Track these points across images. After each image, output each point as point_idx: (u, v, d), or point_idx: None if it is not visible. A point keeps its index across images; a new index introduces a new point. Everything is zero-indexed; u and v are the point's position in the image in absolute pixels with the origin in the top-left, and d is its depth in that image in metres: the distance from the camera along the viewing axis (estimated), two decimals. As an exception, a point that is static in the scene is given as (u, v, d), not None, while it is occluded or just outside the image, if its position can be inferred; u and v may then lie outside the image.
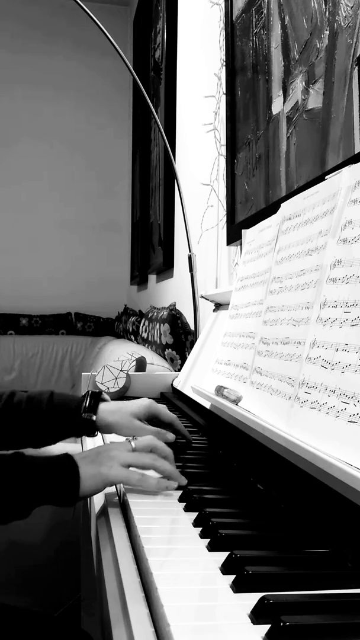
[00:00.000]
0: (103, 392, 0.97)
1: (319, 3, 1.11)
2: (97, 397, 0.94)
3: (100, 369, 1.50)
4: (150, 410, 0.94)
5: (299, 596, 0.44)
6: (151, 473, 0.74)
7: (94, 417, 0.91)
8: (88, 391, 0.95)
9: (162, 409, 0.95)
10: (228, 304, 1.13)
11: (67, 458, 0.70)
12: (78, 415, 0.91)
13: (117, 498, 0.73)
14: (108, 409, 0.92)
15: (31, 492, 0.67)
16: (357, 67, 0.97)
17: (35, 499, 0.67)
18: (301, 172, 1.20)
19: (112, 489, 0.77)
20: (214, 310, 1.47)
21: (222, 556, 0.51)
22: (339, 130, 1.03)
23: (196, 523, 0.60)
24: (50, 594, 1.78)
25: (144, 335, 2.51)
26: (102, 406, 0.92)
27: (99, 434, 0.98)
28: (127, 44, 4.51)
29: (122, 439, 0.83)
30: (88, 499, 0.78)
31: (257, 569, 0.47)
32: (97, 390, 0.96)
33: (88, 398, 0.93)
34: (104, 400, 0.96)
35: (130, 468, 0.72)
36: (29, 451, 0.79)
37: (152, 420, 0.95)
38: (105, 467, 0.70)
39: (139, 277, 3.80)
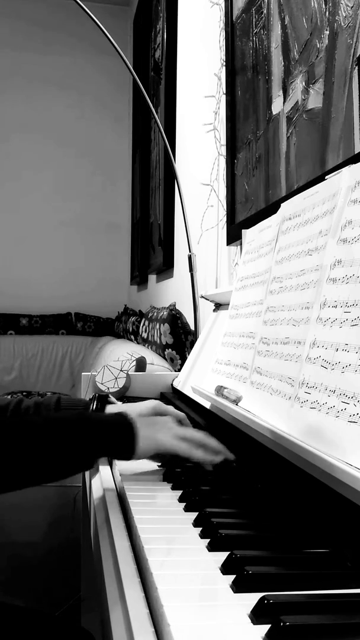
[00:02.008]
0: (110, 395, 0.98)
1: (319, 3, 1.11)
2: (103, 400, 0.96)
3: (100, 369, 1.50)
4: (157, 411, 0.94)
5: (299, 596, 0.44)
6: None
7: None
8: (95, 394, 0.97)
9: (170, 408, 0.96)
10: (228, 304, 1.13)
11: (126, 419, 0.77)
12: None
13: (117, 498, 0.73)
14: (113, 410, 0.94)
15: (95, 446, 0.75)
16: (357, 67, 0.97)
17: (98, 452, 0.76)
18: (301, 172, 1.20)
19: (112, 488, 0.77)
20: (214, 310, 1.47)
21: (222, 556, 0.51)
22: (339, 130, 1.03)
23: (196, 523, 0.60)
24: (50, 594, 1.78)
25: (144, 335, 2.51)
26: (109, 408, 0.95)
27: None
28: (127, 44, 4.51)
29: None
30: (88, 498, 0.79)
31: (257, 569, 0.47)
32: (104, 393, 0.97)
33: (95, 401, 0.95)
34: (111, 402, 0.97)
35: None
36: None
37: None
38: (161, 434, 0.77)
39: (139, 277, 3.80)
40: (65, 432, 0.74)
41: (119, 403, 0.98)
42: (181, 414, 0.96)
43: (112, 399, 0.99)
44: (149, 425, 0.78)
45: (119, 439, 0.75)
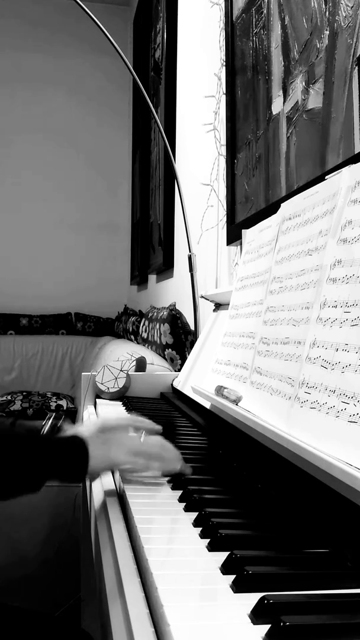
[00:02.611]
0: (60, 420, 0.94)
1: (319, 3, 1.11)
2: (54, 426, 0.91)
3: (100, 369, 1.50)
4: (104, 427, 0.88)
5: (299, 596, 0.44)
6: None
7: None
8: (49, 415, 0.94)
9: (114, 421, 0.90)
10: (228, 304, 1.13)
11: (78, 438, 0.73)
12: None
13: (117, 498, 0.73)
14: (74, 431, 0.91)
15: (43, 467, 0.70)
16: (357, 67, 0.97)
17: (46, 473, 0.70)
18: (301, 172, 1.20)
19: (112, 488, 0.77)
20: (214, 310, 1.47)
21: (222, 556, 0.51)
22: (339, 130, 1.03)
23: (196, 523, 0.60)
24: (50, 594, 1.78)
25: (144, 335, 2.51)
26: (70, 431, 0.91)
27: None
28: (127, 44, 4.51)
29: None
30: (88, 499, 0.79)
31: (257, 569, 0.47)
32: (55, 421, 0.94)
33: (45, 427, 0.91)
34: (63, 429, 0.94)
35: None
36: None
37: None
38: (114, 451, 0.73)
39: (139, 277, 3.80)
40: (12, 449, 0.69)
41: (70, 428, 0.95)
42: (127, 421, 0.91)
43: (65, 424, 0.95)
44: (101, 444, 0.74)
45: (69, 459, 0.71)
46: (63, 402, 3.54)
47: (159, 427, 0.91)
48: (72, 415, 3.40)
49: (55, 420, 0.95)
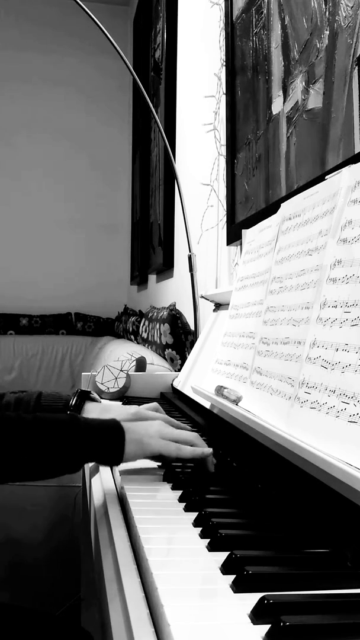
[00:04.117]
0: (92, 392, 0.98)
1: (319, 3, 1.11)
2: (84, 396, 0.96)
3: (100, 369, 1.50)
4: (137, 418, 0.93)
5: (299, 596, 0.44)
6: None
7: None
8: (77, 390, 0.97)
9: (150, 414, 0.94)
10: (228, 304, 1.13)
11: (116, 424, 0.78)
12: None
13: (117, 498, 0.73)
14: (92, 410, 0.95)
15: (82, 450, 0.75)
16: (357, 67, 0.97)
17: (85, 456, 0.76)
18: (301, 172, 1.20)
19: (112, 488, 0.77)
20: (214, 310, 1.47)
21: (222, 556, 0.51)
22: (339, 130, 1.03)
23: (196, 523, 0.60)
24: (50, 594, 1.78)
25: (144, 335, 2.51)
26: (88, 406, 0.95)
27: None
28: (127, 44, 4.51)
29: None
30: (88, 499, 0.79)
31: (257, 569, 0.47)
32: (87, 390, 0.98)
33: (75, 397, 0.95)
34: (93, 399, 0.97)
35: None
36: None
37: None
38: (148, 437, 0.77)
39: (139, 277, 3.80)
40: (54, 433, 0.74)
41: (101, 400, 0.98)
42: (161, 418, 0.95)
43: (95, 395, 0.99)
44: (136, 430, 0.78)
45: (108, 445, 0.76)
46: (63, 402, 3.53)
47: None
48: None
49: (84, 390, 0.99)
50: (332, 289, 0.68)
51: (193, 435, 0.81)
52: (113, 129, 4.69)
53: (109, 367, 1.50)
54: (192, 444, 0.80)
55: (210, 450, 0.79)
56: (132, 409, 0.95)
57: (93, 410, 0.95)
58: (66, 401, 0.96)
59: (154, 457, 0.81)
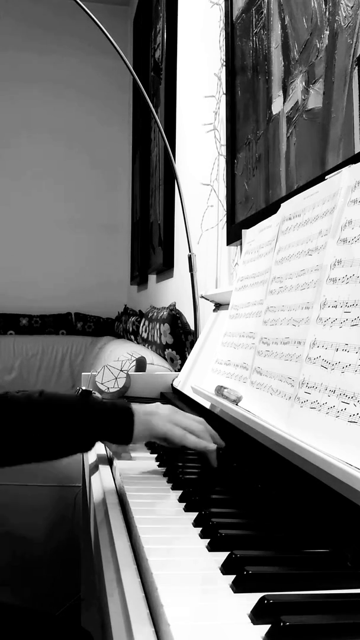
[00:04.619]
0: (94, 392, 1.00)
1: (319, 3, 1.11)
2: (87, 396, 0.97)
3: (100, 369, 1.50)
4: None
5: (299, 596, 0.44)
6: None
7: None
8: (79, 389, 0.99)
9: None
10: (228, 304, 1.13)
11: (126, 406, 0.81)
12: None
13: (117, 498, 0.73)
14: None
15: (94, 429, 0.78)
16: (357, 67, 0.97)
17: (96, 435, 0.79)
18: (301, 172, 1.20)
19: (112, 488, 0.77)
20: (214, 310, 1.47)
21: (222, 556, 0.51)
22: (339, 130, 1.03)
23: (196, 523, 0.60)
24: (50, 593, 1.78)
25: (144, 335, 2.51)
26: None
27: None
28: (127, 44, 4.51)
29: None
30: (88, 499, 0.80)
31: (257, 569, 0.47)
32: (89, 389, 0.99)
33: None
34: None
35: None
36: None
37: None
38: (156, 419, 0.79)
39: (139, 277, 3.80)
40: (66, 412, 0.77)
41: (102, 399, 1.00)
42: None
43: (96, 394, 1.02)
44: (145, 412, 0.80)
45: (118, 424, 0.78)
46: (63, 402, 3.53)
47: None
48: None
49: (86, 389, 1.05)
50: (332, 289, 0.68)
51: (201, 427, 0.82)
52: (113, 129, 4.69)
53: (109, 367, 1.50)
54: (199, 435, 0.81)
55: (214, 446, 0.80)
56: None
57: None
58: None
59: (159, 441, 0.82)
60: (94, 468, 0.89)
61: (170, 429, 0.79)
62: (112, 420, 0.79)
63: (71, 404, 0.79)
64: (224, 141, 1.79)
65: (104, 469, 0.86)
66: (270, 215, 1.01)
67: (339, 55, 1.03)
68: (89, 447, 0.79)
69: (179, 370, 1.79)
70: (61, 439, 0.76)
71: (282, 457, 0.71)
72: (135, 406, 0.81)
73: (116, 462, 0.84)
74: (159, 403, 0.91)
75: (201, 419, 0.85)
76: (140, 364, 1.65)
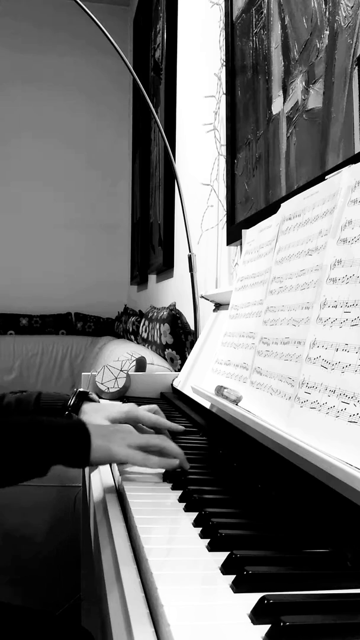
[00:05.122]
0: (91, 393, 0.98)
1: (319, 3, 1.11)
2: (82, 396, 0.97)
3: (100, 369, 1.50)
4: (129, 416, 0.94)
5: (299, 596, 0.44)
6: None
7: (75, 417, 0.95)
8: (76, 390, 0.97)
9: (143, 413, 0.95)
10: (228, 304, 1.13)
11: (81, 426, 0.76)
12: (62, 414, 0.95)
13: (117, 498, 0.73)
14: (88, 409, 0.95)
15: (46, 453, 0.73)
16: (357, 67, 0.97)
17: (51, 459, 0.73)
18: (301, 172, 1.20)
19: (112, 488, 0.77)
20: (214, 310, 1.47)
21: (222, 556, 0.51)
22: (339, 130, 1.03)
23: (196, 523, 0.60)
24: (50, 593, 1.78)
25: (144, 335, 2.51)
26: (85, 406, 0.96)
27: None
28: (127, 44, 4.51)
29: None
30: (88, 499, 0.79)
31: (257, 569, 0.47)
32: (86, 390, 0.98)
33: (73, 397, 0.96)
34: (92, 399, 0.98)
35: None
36: None
37: (135, 425, 0.95)
38: (115, 444, 0.75)
39: (139, 277, 3.80)
40: (14, 435, 0.72)
41: (99, 400, 0.99)
42: (153, 418, 0.95)
43: (93, 395, 1.00)
44: (103, 435, 0.76)
45: (72, 448, 0.74)
46: (63, 402, 3.53)
47: (180, 428, 0.96)
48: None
49: (83, 390, 0.99)
50: (332, 289, 0.68)
51: (159, 439, 0.79)
52: (113, 129, 4.69)
53: (109, 367, 1.50)
54: (160, 448, 0.78)
55: (177, 462, 0.76)
56: (126, 406, 0.96)
57: (89, 410, 0.95)
58: (65, 401, 0.97)
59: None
60: (94, 465, 0.89)
61: (131, 455, 0.76)
62: (66, 443, 0.74)
63: (21, 427, 0.74)
64: (224, 141, 1.79)
65: (104, 469, 0.86)
66: (270, 215, 1.01)
67: (339, 55, 1.03)
68: (42, 472, 0.73)
69: (179, 370, 1.79)
70: (9, 465, 0.72)
71: (282, 457, 0.71)
72: (92, 429, 0.76)
73: None
74: (116, 424, 0.89)
75: (161, 436, 0.82)
76: (140, 364, 1.65)
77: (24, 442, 0.72)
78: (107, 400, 1.47)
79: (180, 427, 0.99)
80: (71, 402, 0.96)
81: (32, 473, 0.73)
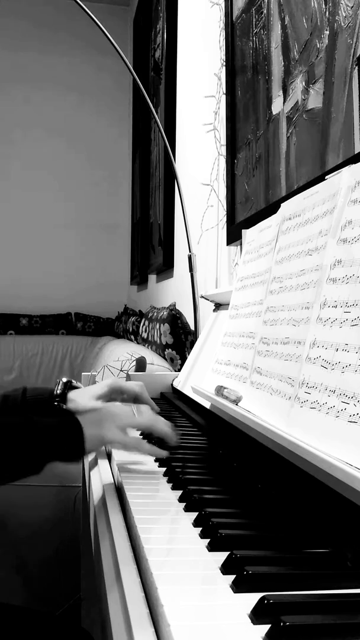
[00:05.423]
0: (74, 381, 1.00)
1: (319, 3, 1.11)
2: (66, 385, 0.99)
3: (100, 369, 1.50)
4: (113, 387, 0.98)
5: (299, 596, 0.44)
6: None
7: (63, 406, 0.97)
8: (59, 380, 0.99)
9: (126, 384, 1.00)
10: (228, 304, 1.13)
11: (73, 422, 0.77)
12: (51, 404, 0.97)
13: (116, 498, 0.73)
14: (73, 396, 0.97)
15: (42, 451, 0.74)
16: (357, 67, 0.97)
17: (46, 456, 0.75)
18: (301, 172, 1.20)
19: (112, 488, 0.77)
20: (214, 310, 1.47)
21: (222, 556, 0.51)
22: (339, 130, 1.03)
23: (196, 523, 0.60)
24: (50, 594, 1.78)
25: (144, 335, 2.51)
26: (70, 394, 0.98)
27: None
28: (127, 44, 4.51)
29: None
30: (88, 499, 0.80)
31: (257, 569, 0.47)
32: (69, 379, 1.00)
33: (58, 387, 0.98)
34: (75, 387, 1.00)
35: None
36: None
37: (120, 396, 1.00)
38: (106, 430, 0.77)
39: (139, 277, 3.80)
40: (11, 436, 0.73)
41: (82, 385, 1.01)
42: (136, 390, 1.00)
43: (77, 383, 1.01)
44: (94, 423, 0.78)
45: (67, 444, 0.75)
46: (63, 402, 3.54)
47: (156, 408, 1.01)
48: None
49: (67, 380, 1.01)
50: (332, 289, 0.68)
51: (151, 420, 0.81)
52: (113, 129, 4.69)
53: (109, 367, 1.50)
54: (151, 428, 0.80)
55: (166, 453, 0.78)
56: (108, 380, 0.99)
57: (75, 396, 0.97)
58: (51, 391, 0.98)
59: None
60: (93, 462, 0.90)
61: (122, 439, 0.77)
62: (60, 440, 0.75)
63: (16, 426, 0.75)
64: (224, 141, 1.79)
65: (104, 469, 0.86)
66: (270, 215, 1.01)
67: (339, 55, 1.03)
68: (37, 470, 0.75)
69: (179, 370, 1.79)
70: (7, 464, 0.73)
71: (282, 457, 0.71)
72: (83, 420, 0.77)
73: (115, 460, 0.84)
74: (102, 405, 0.91)
75: (151, 414, 0.84)
76: (140, 364, 1.65)
77: (19, 441, 0.73)
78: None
79: (157, 408, 1.04)
80: (57, 391, 0.98)
81: (27, 471, 0.74)
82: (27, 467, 0.74)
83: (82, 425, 0.76)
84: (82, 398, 0.96)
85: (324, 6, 1.09)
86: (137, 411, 0.84)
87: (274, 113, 1.35)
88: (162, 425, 0.81)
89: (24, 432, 0.74)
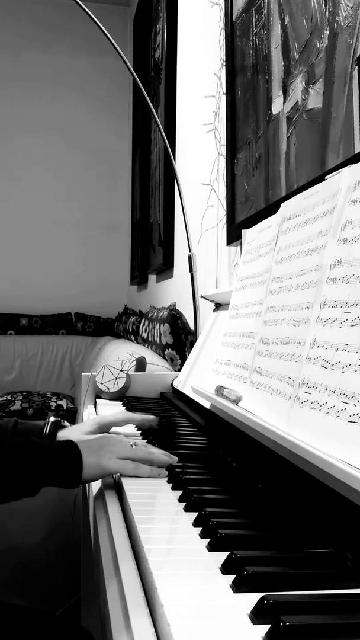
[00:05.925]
0: (63, 421, 1.01)
1: (319, 3, 1.11)
2: (55, 424, 1.00)
3: (100, 369, 1.50)
4: (101, 424, 1.00)
5: (299, 596, 0.44)
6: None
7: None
8: (48, 419, 0.99)
9: (111, 418, 1.02)
10: (228, 304, 1.13)
11: (73, 447, 0.78)
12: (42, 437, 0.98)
13: (116, 498, 0.73)
14: (62, 435, 0.98)
15: (39, 474, 0.75)
16: (357, 67, 0.97)
17: (43, 480, 0.76)
18: (301, 172, 1.20)
19: (112, 488, 0.77)
20: (214, 310, 1.47)
21: (222, 556, 0.51)
22: (339, 130, 1.03)
23: (196, 523, 0.60)
24: (50, 593, 1.78)
25: (144, 335, 2.51)
26: (60, 433, 0.99)
27: None
28: (127, 44, 4.51)
29: None
30: (88, 499, 0.80)
31: (257, 569, 0.47)
32: (58, 418, 1.01)
33: (48, 425, 0.99)
34: (63, 426, 1.01)
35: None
36: None
37: (109, 430, 1.02)
38: (105, 459, 0.77)
39: (139, 277, 3.80)
40: (10, 457, 0.74)
41: (70, 426, 1.02)
42: (124, 417, 1.04)
43: (65, 423, 1.02)
44: (93, 452, 0.78)
45: (65, 468, 0.76)
46: (63, 402, 3.54)
47: (153, 418, 1.06)
48: (72, 415, 3.40)
49: (56, 419, 1.01)
50: (332, 289, 0.68)
51: (146, 452, 0.81)
52: (113, 128, 4.69)
53: (109, 367, 1.50)
54: (148, 459, 0.80)
55: (165, 473, 0.79)
56: (95, 418, 1.01)
57: (64, 435, 0.98)
58: (41, 429, 0.99)
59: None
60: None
61: (121, 466, 0.78)
62: (58, 465, 0.76)
63: (15, 447, 0.76)
64: (224, 141, 1.79)
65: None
66: (270, 215, 1.01)
67: (339, 55, 1.03)
68: (33, 492, 0.76)
69: (179, 370, 1.79)
70: (4, 484, 0.73)
71: (282, 457, 0.71)
72: (83, 446, 0.78)
73: None
74: (102, 435, 0.91)
75: (147, 447, 0.84)
76: (140, 364, 1.65)
77: (18, 463, 0.74)
78: (107, 400, 1.47)
79: (154, 417, 1.07)
80: (46, 430, 0.98)
81: (22, 492, 0.75)
82: (23, 488, 0.75)
83: (81, 452, 0.77)
84: (72, 436, 0.96)
85: (324, 6, 1.09)
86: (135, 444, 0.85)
87: (274, 113, 1.35)
88: (161, 456, 0.81)
89: (22, 453, 0.75)
